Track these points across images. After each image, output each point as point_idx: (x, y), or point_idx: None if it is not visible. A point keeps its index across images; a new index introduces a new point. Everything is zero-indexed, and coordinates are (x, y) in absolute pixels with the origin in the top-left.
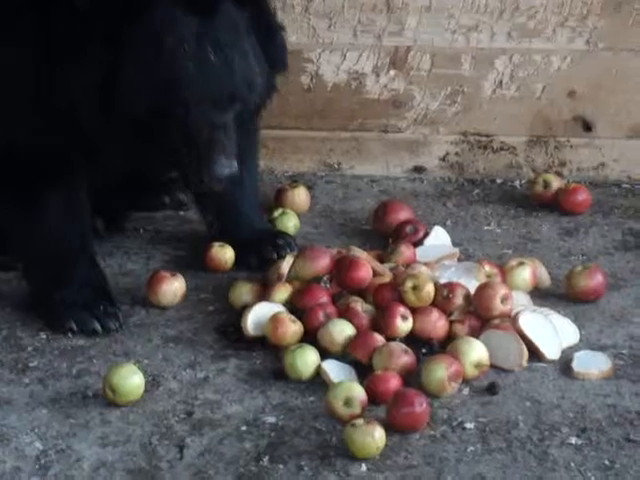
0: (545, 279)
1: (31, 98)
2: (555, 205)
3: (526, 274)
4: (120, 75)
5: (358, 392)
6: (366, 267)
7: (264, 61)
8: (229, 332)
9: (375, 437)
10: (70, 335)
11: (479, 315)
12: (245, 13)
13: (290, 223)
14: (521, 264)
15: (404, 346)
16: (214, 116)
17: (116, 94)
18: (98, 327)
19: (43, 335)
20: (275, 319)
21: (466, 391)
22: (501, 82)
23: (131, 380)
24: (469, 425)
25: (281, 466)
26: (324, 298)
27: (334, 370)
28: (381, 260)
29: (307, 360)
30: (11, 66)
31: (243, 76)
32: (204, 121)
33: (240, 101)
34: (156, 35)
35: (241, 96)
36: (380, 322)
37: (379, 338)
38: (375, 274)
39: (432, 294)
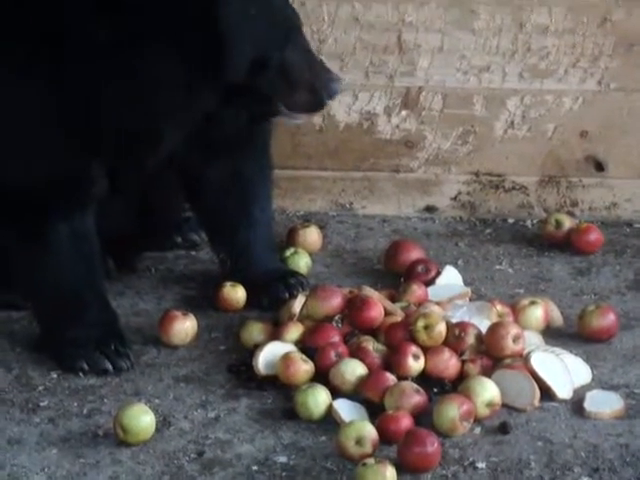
0: (557, 318)
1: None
2: (567, 245)
3: (538, 313)
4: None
5: (369, 432)
6: (378, 306)
7: None
8: (240, 371)
9: (386, 477)
10: (81, 374)
11: (491, 355)
12: None
13: (302, 262)
14: (533, 303)
15: (416, 385)
16: (303, 43)
17: (219, 61)
18: (109, 366)
19: (54, 374)
20: (286, 358)
21: (478, 431)
22: (513, 122)
23: (142, 420)
24: (481, 465)
25: None
26: (335, 337)
27: (345, 409)
28: (393, 299)
29: (318, 399)
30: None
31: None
32: (299, 50)
33: None
34: None
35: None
36: (392, 361)
37: (390, 377)
38: (387, 313)
39: (444, 333)
